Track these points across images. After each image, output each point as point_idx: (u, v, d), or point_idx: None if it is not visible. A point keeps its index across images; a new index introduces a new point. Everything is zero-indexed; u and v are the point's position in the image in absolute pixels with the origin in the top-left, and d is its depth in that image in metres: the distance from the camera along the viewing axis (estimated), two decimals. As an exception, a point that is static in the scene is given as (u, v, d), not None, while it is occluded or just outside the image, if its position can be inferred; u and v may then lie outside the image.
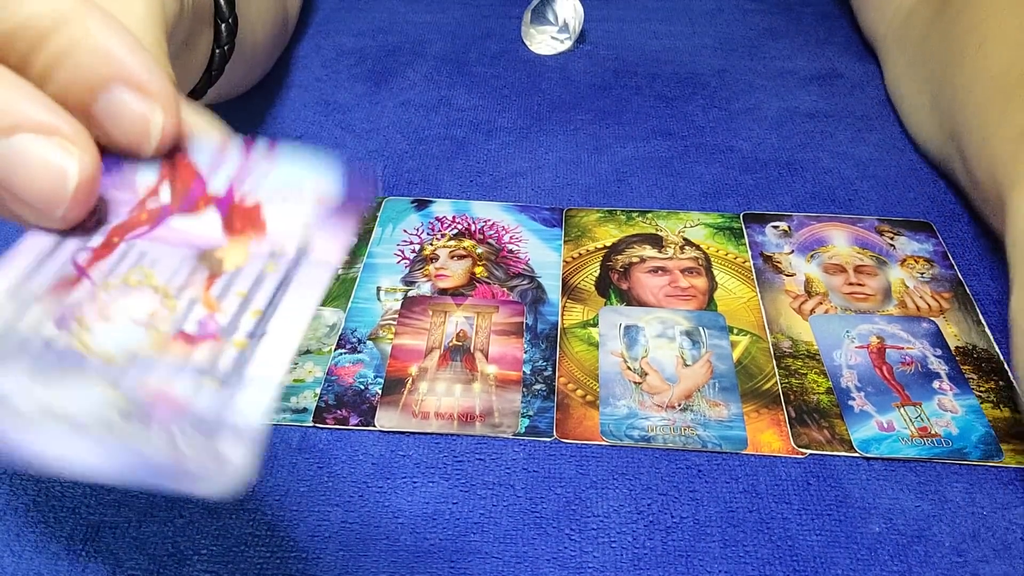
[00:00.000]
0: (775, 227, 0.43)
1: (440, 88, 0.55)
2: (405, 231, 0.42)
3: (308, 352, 0.35)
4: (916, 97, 0.48)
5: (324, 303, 0.38)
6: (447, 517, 0.30)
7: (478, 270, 0.40)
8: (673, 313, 0.37)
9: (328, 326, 0.37)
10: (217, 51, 0.40)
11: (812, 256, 0.41)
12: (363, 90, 0.55)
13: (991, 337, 0.36)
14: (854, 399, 0.33)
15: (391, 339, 0.36)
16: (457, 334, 0.36)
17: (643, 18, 0.64)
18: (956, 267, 0.40)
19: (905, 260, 0.40)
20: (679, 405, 0.33)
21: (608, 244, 0.42)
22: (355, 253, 0.41)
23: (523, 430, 0.33)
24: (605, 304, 0.38)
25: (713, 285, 0.39)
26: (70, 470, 0.14)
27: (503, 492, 0.31)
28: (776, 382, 0.34)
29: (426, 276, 0.39)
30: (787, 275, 0.40)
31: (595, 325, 0.37)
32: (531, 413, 0.33)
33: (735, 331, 0.37)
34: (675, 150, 0.49)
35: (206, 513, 0.30)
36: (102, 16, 0.18)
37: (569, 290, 0.39)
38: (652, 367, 0.35)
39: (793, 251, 0.41)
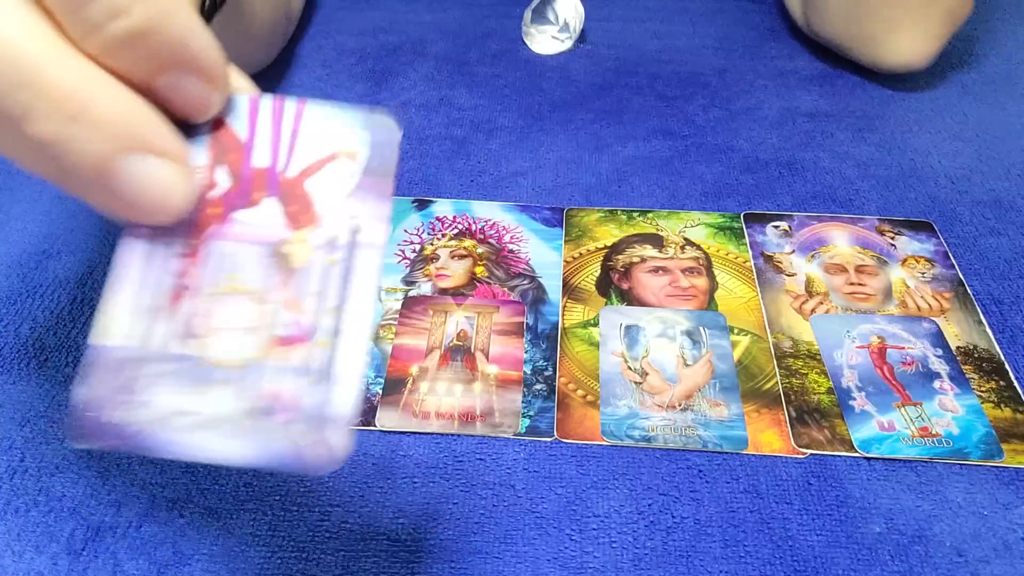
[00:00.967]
0: (776, 227, 0.43)
1: (441, 88, 0.55)
2: (406, 231, 0.42)
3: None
4: None
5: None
6: (448, 517, 0.30)
7: (479, 270, 0.40)
8: (674, 313, 0.37)
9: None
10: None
11: (813, 256, 0.41)
12: (364, 90, 0.55)
13: (992, 337, 0.36)
14: (855, 399, 0.33)
15: (392, 339, 0.36)
16: (458, 334, 0.36)
17: (644, 18, 0.64)
18: (957, 267, 0.40)
19: (906, 260, 0.40)
20: (680, 405, 0.33)
21: (609, 244, 0.42)
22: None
23: (524, 430, 0.32)
24: (606, 304, 0.38)
25: (714, 285, 0.39)
26: (215, 460, 0.18)
27: (504, 492, 0.31)
28: (777, 382, 0.34)
29: (427, 276, 0.39)
30: (788, 275, 0.40)
31: (596, 325, 0.37)
32: (532, 413, 0.33)
33: (736, 331, 0.37)
34: (676, 150, 0.49)
35: (206, 513, 0.30)
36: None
37: (570, 290, 0.39)
38: (653, 367, 0.35)
39: (794, 251, 0.41)
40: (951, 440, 0.32)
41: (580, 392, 0.34)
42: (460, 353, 0.36)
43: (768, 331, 0.37)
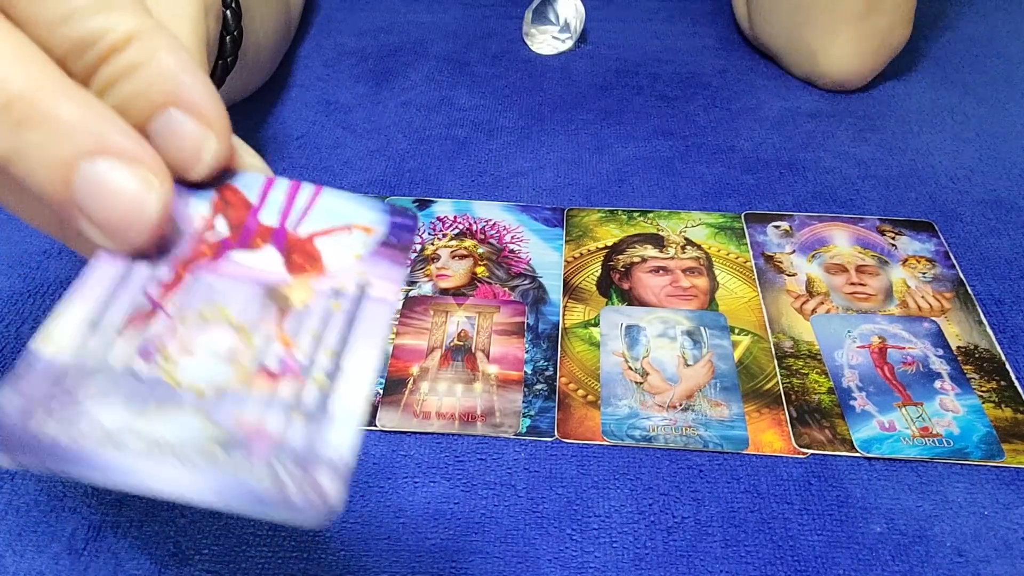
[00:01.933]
0: (776, 227, 0.43)
1: (441, 88, 0.55)
2: (406, 231, 0.42)
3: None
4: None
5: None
6: (448, 517, 0.30)
7: (479, 270, 0.40)
8: (674, 313, 0.37)
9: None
10: (220, 63, 0.40)
11: (813, 256, 0.41)
12: (364, 90, 0.55)
13: (992, 337, 0.36)
14: (855, 399, 0.33)
15: (392, 339, 0.36)
16: (458, 334, 0.36)
17: (644, 18, 0.64)
18: (958, 267, 0.40)
19: (906, 260, 0.40)
20: (680, 405, 0.33)
21: (609, 244, 0.42)
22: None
23: (524, 430, 0.33)
24: (606, 304, 0.38)
25: (714, 285, 0.39)
26: (179, 497, 0.15)
27: (504, 492, 0.31)
28: (777, 382, 0.34)
29: (427, 276, 0.40)
30: (788, 275, 0.40)
31: (596, 325, 0.37)
32: (532, 413, 0.33)
33: (736, 331, 0.37)
34: (676, 150, 0.49)
35: (208, 513, 0.30)
36: (170, 38, 0.18)
37: (570, 290, 0.39)
38: (653, 367, 0.35)
39: (794, 251, 0.41)
40: (952, 440, 0.32)
41: (581, 392, 0.34)
42: (461, 353, 0.36)
43: (769, 331, 0.37)
